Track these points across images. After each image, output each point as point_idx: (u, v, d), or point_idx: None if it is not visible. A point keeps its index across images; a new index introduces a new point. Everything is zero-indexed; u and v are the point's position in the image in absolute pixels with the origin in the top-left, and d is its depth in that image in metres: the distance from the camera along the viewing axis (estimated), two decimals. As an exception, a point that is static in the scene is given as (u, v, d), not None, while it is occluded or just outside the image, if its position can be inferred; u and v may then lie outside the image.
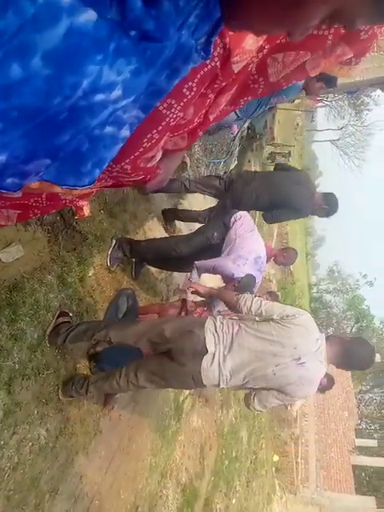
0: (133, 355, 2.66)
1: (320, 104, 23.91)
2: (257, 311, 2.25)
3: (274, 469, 10.10)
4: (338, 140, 34.15)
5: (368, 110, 28.15)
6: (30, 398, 2.17)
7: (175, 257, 3.38)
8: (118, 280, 3.23)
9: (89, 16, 0.48)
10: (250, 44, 0.91)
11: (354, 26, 0.54)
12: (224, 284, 3.27)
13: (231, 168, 6.70)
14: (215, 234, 3.30)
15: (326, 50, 1.08)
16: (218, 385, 2.27)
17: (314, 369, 2.24)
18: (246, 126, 6.99)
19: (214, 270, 3.03)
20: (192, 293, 2.74)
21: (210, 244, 3.32)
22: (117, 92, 0.59)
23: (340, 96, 21.65)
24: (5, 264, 2.15)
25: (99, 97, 0.58)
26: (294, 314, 2.22)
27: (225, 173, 6.75)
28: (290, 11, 0.52)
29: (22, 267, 2.26)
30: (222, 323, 2.30)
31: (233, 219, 3.24)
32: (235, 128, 5.71)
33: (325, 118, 31.86)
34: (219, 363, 2.21)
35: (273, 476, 9.87)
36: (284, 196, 3.61)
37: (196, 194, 5.55)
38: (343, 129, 32.05)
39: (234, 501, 6.00)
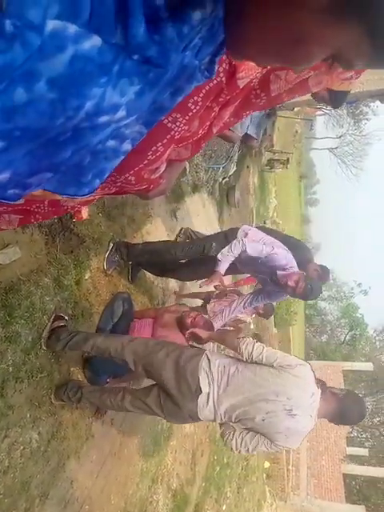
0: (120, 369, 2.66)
1: (319, 112, 24.07)
2: (258, 357, 2.23)
3: (264, 475, 10.07)
4: (336, 148, 34.34)
5: (367, 119, 28.35)
6: (22, 401, 2.16)
7: (169, 261, 3.36)
8: (114, 283, 3.23)
9: (94, 42, 0.49)
10: None
11: (352, 68, 0.55)
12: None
13: (230, 174, 6.72)
14: (214, 244, 3.27)
15: (328, 68, 1.10)
16: (214, 420, 2.31)
17: (304, 422, 2.22)
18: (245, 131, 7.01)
19: (266, 256, 2.92)
20: (191, 335, 2.62)
21: (207, 255, 3.27)
22: (121, 113, 0.59)
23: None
24: (1, 266, 2.14)
25: (103, 118, 0.58)
26: (295, 364, 2.20)
27: (223, 178, 6.79)
28: (288, 50, 0.54)
29: (19, 269, 2.25)
30: (217, 364, 2.28)
31: (242, 232, 3.18)
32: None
33: (324, 127, 32.06)
34: (214, 403, 2.23)
35: (263, 483, 9.84)
36: None
37: (195, 198, 5.58)
38: (342, 137, 32.24)
39: (224, 507, 5.98)
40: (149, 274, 3.88)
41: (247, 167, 9.74)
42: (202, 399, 2.23)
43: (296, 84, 1.11)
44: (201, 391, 2.23)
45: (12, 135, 0.51)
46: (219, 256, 3.00)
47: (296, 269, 2.99)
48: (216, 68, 0.69)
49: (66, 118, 0.54)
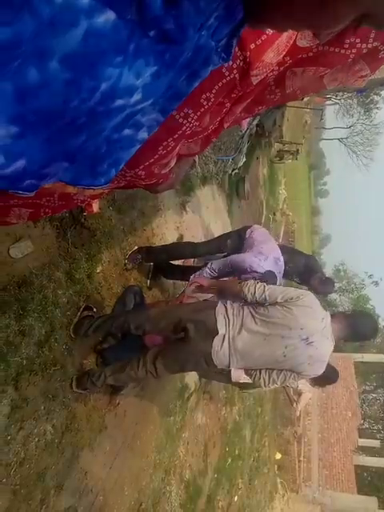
0: (137, 351, 2.67)
1: (329, 102, 23.77)
2: (261, 296, 2.29)
3: (276, 467, 10.11)
4: (346, 138, 33.93)
5: (377, 108, 27.90)
6: (37, 394, 2.18)
7: (189, 256, 3.50)
8: (125, 277, 3.23)
9: (107, 16, 0.47)
10: (270, 57, 0.90)
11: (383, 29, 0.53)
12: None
13: (240, 165, 6.68)
14: (229, 241, 3.35)
15: (345, 66, 1.08)
16: (229, 365, 2.33)
17: (323, 347, 2.29)
18: (255, 123, 6.96)
19: (230, 263, 3.02)
20: (196, 287, 2.73)
21: (222, 251, 3.37)
22: (136, 96, 0.58)
23: (349, 94, 21.50)
24: (14, 260, 2.15)
25: (118, 102, 0.57)
26: (297, 295, 2.27)
27: (233, 170, 6.75)
28: (315, 12, 0.50)
29: (31, 263, 2.26)
30: (233, 307, 2.36)
31: (249, 230, 3.29)
32: (244, 125, 5.69)
33: (333, 116, 31.68)
34: (229, 344, 2.28)
35: (275, 474, 9.88)
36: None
37: (204, 190, 5.55)
38: (352, 127, 31.84)
39: (236, 498, 6.02)
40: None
41: (257, 159, 9.67)
42: (217, 340, 2.29)
43: (311, 81, 1.09)
44: (217, 332, 2.29)
45: (26, 120, 0.50)
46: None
47: (261, 270, 2.96)
48: (233, 51, 0.67)
49: (81, 100, 0.52)
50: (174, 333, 2.44)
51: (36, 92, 0.48)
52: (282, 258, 3.15)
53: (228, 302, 2.42)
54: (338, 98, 23.50)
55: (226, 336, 2.29)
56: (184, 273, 3.78)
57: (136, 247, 3.38)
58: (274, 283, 2.95)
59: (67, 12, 0.44)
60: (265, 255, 2.98)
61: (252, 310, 2.32)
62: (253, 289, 2.31)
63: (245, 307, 2.35)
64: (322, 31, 0.54)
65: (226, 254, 3.33)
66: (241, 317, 2.31)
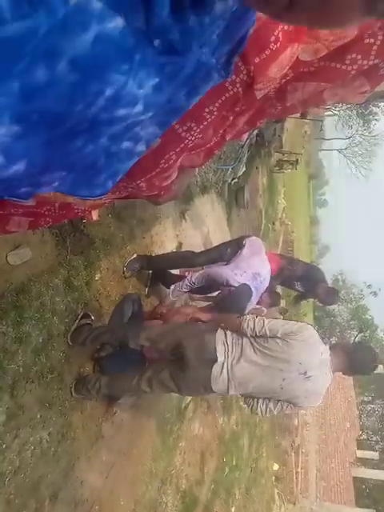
0: (135, 361, 2.67)
1: (328, 113, 23.97)
2: (261, 331, 2.29)
3: (273, 478, 10.01)
4: (345, 149, 34.12)
5: (376, 120, 28.08)
6: (33, 402, 2.17)
7: (189, 265, 3.55)
8: (123, 285, 3.23)
9: (117, 23, 0.48)
10: (274, 72, 0.91)
11: None
12: (216, 293, 3.44)
13: (239, 174, 6.71)
14: (229, 250, 3.41)
15: (345, 81, 1.09)
16: (227, 392, 2.35)
17: (321, 381, 2.31)
18: (255, 133, 7.00)
19: (207, 276, 3.10)
20: (191, 319, 2.74)
21: (222, 259, 3.42)
22: (138, 107, 0.59)
23: (349, 105, 21.67)
24: (12, 266, 2.16)
25: (121, 112, 0.58)
26: (297, 330, 2.27)
27: (232, 179, 6.78)
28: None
29: (30, 270, 2.26)
30: (233, 336, 2.36)
31: (245, 241, 3.38)
32: (244, 137, 5.73)
33: (333, 127, 31.86)
34: (228, 372, 2.29)
35: (272, 485, 9.78)
36: None
37: (204, 199, 5.57)
38: (351, 138, 32.02)
39: (233, 509, 5.95)
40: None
41: (256, 168, 9.71)
42: (216, 368, 2.29)
43: (311, 95, 1.10)
44: (216, 360, 2.29)
45: (30, 119, 0.50)
46: (171, 289, 3.31)
47: (236, 284, 3.03)
48: (232, 69, 0.68)
49: (86, 104, 0.53)
50: (173, 354, 2.44)
51: (42, 92, 0.48)
52: (264, 275, 3.18)
53: (228, 330, 2.41)
54: (338, 109, 23.72)
55: (225, 364, 2.30)
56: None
57: (135, 255, 3.39)
58: (249, 297, 3.01)
59: (80, 14, 0.45)
60: (242, 269, 3.04)
61: (252, 340, 2.32)
62: (252, 324, 2.31)
63: (244, 337, 2.35)
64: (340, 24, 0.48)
65: (226, 263, 3.36)
66: (240, 346, 2.32)
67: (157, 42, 0.52)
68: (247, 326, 2.30)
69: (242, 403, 2.58)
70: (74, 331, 2.52)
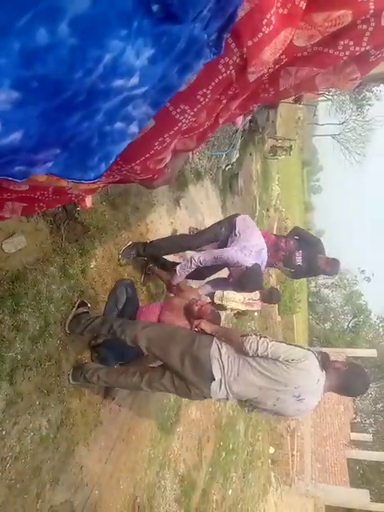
0: (132, 350, 2.68)
1: (321, 98, 23.82)
2: (263, 353, 2.29)
3: (269, 461, 10.18)
4: (338, 135, 34.03)
5: (369, 105, 27.99)
6: (31, 389, 2.18)
7: (186, 249, 3.69)
8: (118, 272, 3.23)
9: None
10: (267, 55, 0.90)
11: None
12: (227, 275, 3.57)
13: (233, 161, 6.68)
14: (223, 229, 3.48)
15: (337, 67, 1.10)
16: (227, 399, 2.46)
17: (311, 402, 2.41)
18: (248, 119, 6.96)
19: (219, 259, 3.17)
20: (196, 329, 2.69)
21: (218, 239, 3.48)
22: (134, 80, 0.59)
23: (342, 91, 21.54)
24: (7, 254, 2.15)
25: (118, 82, 0.57)
26: (299, 358, 2.28)
27: (226, 165, 6.75)
28: None
29: (25, 258, 2.26)
30: (228, 353, 2.37)
31: (234, 219, 3.48)
32: (239, 123, 5.69)
33: (326, 113, 31.76)
34: (226, 387, 2.36)
35: (268, 468, 9.95)
36: None
37: (198, 186, 5.55)
38: (344, 123, 31.93)
39: (230, 492, 6.06)
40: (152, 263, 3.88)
41: (250, 154, 9.67)
42: (214, 385, 2.36)
43: (304, 80, 1.10)
44: (214, 378, 2.34)
45: (30, 86, 0.49)
46: (178, 268, 3.29)
47: (247, 264, 3.14)
48: (223, 45, 0.68)
49: (85, 71, 0.52)
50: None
51: (43, 56, 0.47)
52: (264, 248, 3.34)
53: (223, 344, 2.41)
54: (331, 94, 23.57)
55: (223, 380, 2.34)
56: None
57: (130, 242, 3.40)
58: (262, 274, 3.21)
59: None
60: (249, 249, 3.19)
61: (250, 360, 2.32)
62: (255, 345, 2.29)
63: (241, 356, 2.35)
64: None
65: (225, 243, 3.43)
66: (237, 365, 2.33)
67: (155, 7, 0.52)
68: (250, 347, 2.29)
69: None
70: (71, 320, 2.52)
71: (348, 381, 2.40)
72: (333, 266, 4.18)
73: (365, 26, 0.98)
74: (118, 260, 3.26)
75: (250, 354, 2.30)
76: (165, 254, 3.68)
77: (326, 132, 37.25)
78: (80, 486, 2.53)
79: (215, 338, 2.45)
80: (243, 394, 2.38)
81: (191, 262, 3.20)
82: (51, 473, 2.28)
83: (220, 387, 2.35)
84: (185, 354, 2.38)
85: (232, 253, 3.16)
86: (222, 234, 3.45)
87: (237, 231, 3.34)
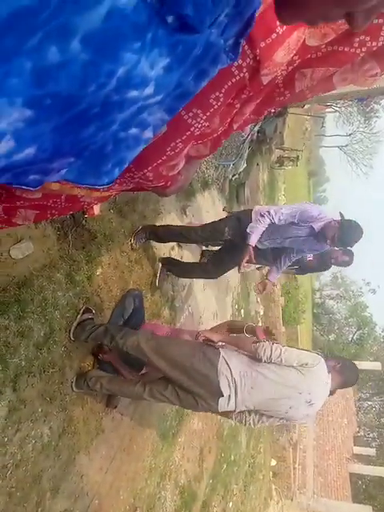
0: (135, 360, 2.66)
1: (329, 109, 23.86)
2: (276, 359, 2.31)
3: (271, 473, 10.06)
4: (346, 146, 34.01)
5: (377, 117, 27.98)
6: (34, 396, 2.17)
7: (193, 240, 3.65)
8: (125, 279, 3.23)
9: None
10: (280, 57, 0.89)
11: None
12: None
13: (240, 170, 6.69)
14: (226, 228, 3.38)
15: (354, 65, 1.07)
16: (235, 411, 2.44)
17: (318, 406, 2.46)
18: (256, 129, 6.98)
19: (297, 216, 3.15)
20: (204, 340, 2.62)
21: (221, 239, 3.43)
22: (149, 89, 0.58)
23: (350, 102, 21.59)
24: (14, 260, 2.15)
25: (132, 93, 0.57)
26: (311, 362, 2.34)
27: (233, 175, 6.76)
28: None
29: (32, 264, 2.26)
30: (236, 365, 2.35)
31: (256, 214, 3.29)
32: (247, 129, 5.71)
33: (333, 124, 31.76)
34: (235, 402, 2.35)
35: (270, 481, 9.83)
36: None
37: (205, 195, 5.56)
38: (352, 135, 31.91)
39: (231, 504, 5.99)
40: (158, 270, 3.88)
41: (257, 164, 9.69)
42: (222, 401, 2.34)
43: (320, 81, 1.09)
44: (222, 395, 2.32)
45: (42, 104, 0.49)
46: (248, 229, 3.19)
47: (327, 216, 3.14)
48: (240, 51, 0.67)
49: (98, 85, 0.52)
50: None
51: (55, 74, 0.47)
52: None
53: (232, 358, 2.37)
54: (339, 105, 23.62)
55: (232, 396, 2.33)
56: (186, 271, 3.85)
57: (140, 226, 3.41)
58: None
59: None
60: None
61: (264, 371, 2.32)
62: (269, 351, 2.31)
63: (253, 368, 2.34)
64: (355, 8, 0.51)
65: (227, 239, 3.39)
66: (250, 378, 2.33)
67: (170, 18, 0.52)
68: (263, 354, 2.30)
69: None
70: (76, 327, 2.51)
71: (345, 378, 2.51)
72: (348, 256, 4.06)
73: (380, 20, 0.95)
74: (130, 245, 3.31)
75: (264, 360, 2.32)
76: (170, 241, 3.68)
77: (334, 143, 37.25)
78: (80, 495, 2.51)
79: (221, 352, 2.42)
80: (254, 401, 2.37)
81: (264, 220, 3.15)
82: (52, 481, 2.26)
83: (228, 402, 2.34)
84: (190, 369, 2.35)
85: (306, 206, 3.16)
86: (226, 233, 3.35)
87: (272, 211, 3.21)
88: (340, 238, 3.05)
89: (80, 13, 0.45)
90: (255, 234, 3.19)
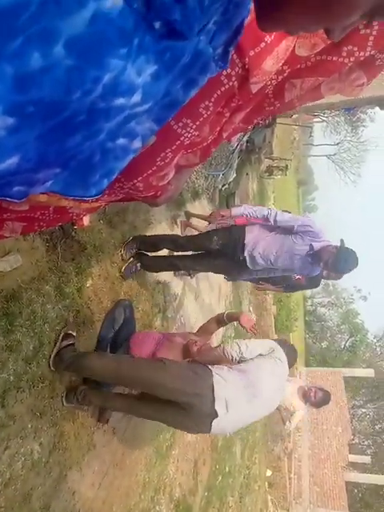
0: None
1: (317, 119, 24.20)
2: (246, 352, 2.43)
3: (266, 484, 9.96)
4: (334, 155, 34.46)
5: (364, 126, 28.44)
6: (24, 411, 2.12)
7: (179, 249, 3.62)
8: (115, 291, 3.20)
9: (115, 2, 0.46)
10: (269, 65, 0.89)
11: None
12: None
13: (230, 180, 6.73)
14: (215, 237, 3.36)
15: (341, 74, 1.08)
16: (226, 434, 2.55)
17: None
18: (245, 139, 7.04)
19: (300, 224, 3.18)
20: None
21: (210, 249, 3.37)
22: (136, 97, 0.57)
23: (337, 112, 21.92)
24: (2, 273, 2.12)
25: (119, 101, 0.55)
26: (273, 347, 2.52)
27: (223, 185, 6.79)
28: (329, 3, 0.49)
29: (20, 277, 2.23)
30: (231, 380, 2.34)
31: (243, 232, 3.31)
32: (233, 140, 5.75)
33: (321, 134, 32.18)
34: (228, 421, 2.34)
35: (265, 491, 9.73)
36: None
37: (195, 205, 5.57)
38: (339, 144, 32.37)
39: (226, 517, 5.90)
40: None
41: (246, 174, 9.76)
42: (216, 423, 2.30)
43: (308, 90, 1.09)
44: (217, 415, 2.28)
45: (25, 111, 0.47)
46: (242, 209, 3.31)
47: (326, 239, 3.16)
48: (229, 59, 0.67)
49: (83, 92, 0.50)
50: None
51: (38, 79, 0.46)
52: None
53: (224, 375, 2.35)
54: (326, 115, 23.97)
55: (226, 415, 2.30)
56: (172, 264, 3.74)
57: (130, 237, 3.41)
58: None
59: None
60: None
61: (250, 370, 2.40)
62: (236, 347, 2.45)
63: (241, 376, 2.37)
64: (334, 26, 0.52)
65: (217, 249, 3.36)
66: (242, 388, 2.36)
67: (157, 24, 0.50)
68: (228, 354, 2.43)
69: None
70: (55, 355, 2.35)
71: (290, 357, 2.64)
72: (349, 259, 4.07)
73: (368, 31, 0.97)
74: (121, 256, 3.28)
75: (234, 359, 2.41)
76: (159, 249, 3.63)
77: (322, 152, 37.75)
78: (72, 513, 2.45)
79: (213, 371, 2.35)
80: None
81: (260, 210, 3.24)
82: (42, 499, 2.20)
83: (220, 425, 2.31)
84: (182, 390, 2.25)
85: (308, 219, 3.22)
86: (214, 242, 3.32)
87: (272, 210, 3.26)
88: (334, 263, 3.04)
89: (62, 16, 0.43)
90: (244, 209, 3.27)
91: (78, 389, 2.47)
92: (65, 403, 2.42)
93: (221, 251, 3.33)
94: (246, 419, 2.51)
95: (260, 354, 2.45)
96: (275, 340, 2.71)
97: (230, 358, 2.38)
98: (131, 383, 2.40)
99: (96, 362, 2.39)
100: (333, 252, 3.04)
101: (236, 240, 3.28)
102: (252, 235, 3.27)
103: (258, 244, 3.21)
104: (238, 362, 2.47)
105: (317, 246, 3.10)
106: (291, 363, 2.66)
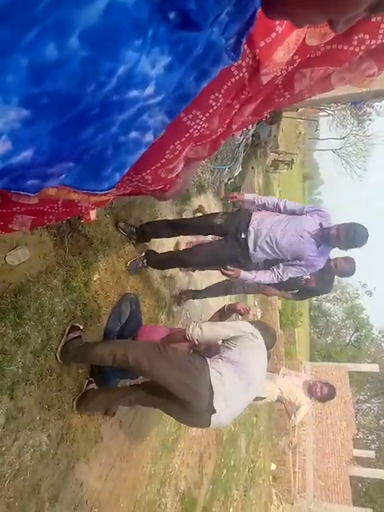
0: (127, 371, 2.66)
1: (323, 113, 24.00)
2: (206, 338, 2.49)
3: (271, 478, 10.01)
4: (339, 149, 34.18)
5: (370, 120, 28.15)
6: (32, 404, 2.14)
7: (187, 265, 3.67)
8: (122, 285, 3.21)
9: None
10: (280, 56, 0.88)
11: None
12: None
13: (235, 174, 6.70)
14: (221, 214, 3.49)
15: (352, 64, 1.07)
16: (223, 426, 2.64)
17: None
18: (250, 133, 7.01)
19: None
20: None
21: (213, 223, 3.36)
22: (149, 89, 0.57)
23: (343, 106, 21.71)
24: (11, 267, 2.13)
25: (133, 93, 0.55)
26: (249, 330, 2.53)
27: (229, 179, 6.77)
28: None
29: (28, 270, 2.24)
30: (227, 374, 2.34)
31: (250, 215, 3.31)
32: (237, 134, 5.71)
33: (327, 127, 31.91)
34: (226, 414, 2.36)
35: (270, 485, 9.78)
36: None
37: (201, 199, 5.56)
38: (345, 138, 32.09)
39: (231, 510, 5.94)
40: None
41: (252, 168, 9.71)
42: (214, 418, 2.31)
43: (318, 81, 1.08)
44: (215, 411, 2.28)
45: (39, 103, 0.47)
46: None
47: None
48: (242, 50, 0.66)
49: (98, 84, 0.50)
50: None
51: (53, 71, 0.45)
52: None
53: (222, 368, 2.35)
54: (332, 109, 23.75)
55: (224, 408, 2.31)
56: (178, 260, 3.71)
57: (140, 255, 3.47)
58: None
59: None
60: None
61: (237, 362, 2.40)
62: (198, 330, 2.48)
63: (233, 366, 2.38)
64: (339, 18, 0.52)
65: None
66: (237, 381, 2.37)
67: (172, 15, 0.50)
68: (190, 336, 2.47)
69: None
70: (62, 348, 2.37)
71: (268, 334, 2.70)
72: (351, 263, 3.96)
73: (379, 18, 0.95)
74: (119, 229, 3.27)
75: (195, 340, 2.47)
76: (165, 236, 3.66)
77: (327, 146, 37.44)
78: (80, 504, 2.48)
79: (210, 364, 2.35)
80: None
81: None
82: (50, 490, 2.23)
83: (218, 419, 2.32)
84: (181, 384, 2.25)
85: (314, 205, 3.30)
86: (218, 217, 3.34)
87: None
88: (347, 236, 3.01)
89: (78, 6, 0.43)
90: (255, 196, 3.37)
91: (86, 397, 2.49)
92: (75, 410, 2.47)
93: (223, 228, 3.28)
94: (241, 409, 2.56)
95: (240, 338, 2.45)
96: (250, 322, 2.70)
97: (193, 340, 2.46)
98: (136, 365, 2.35)
99: (102, 348, 2.43)
100: (342, 227, 3.06)
101: (241, 218, 3.28)
102: (259, 214, 3.29)
103: (265, 221, 3.20)
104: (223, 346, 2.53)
105: (327, 225, 3.13)
106: (269, 345, 2.67)
